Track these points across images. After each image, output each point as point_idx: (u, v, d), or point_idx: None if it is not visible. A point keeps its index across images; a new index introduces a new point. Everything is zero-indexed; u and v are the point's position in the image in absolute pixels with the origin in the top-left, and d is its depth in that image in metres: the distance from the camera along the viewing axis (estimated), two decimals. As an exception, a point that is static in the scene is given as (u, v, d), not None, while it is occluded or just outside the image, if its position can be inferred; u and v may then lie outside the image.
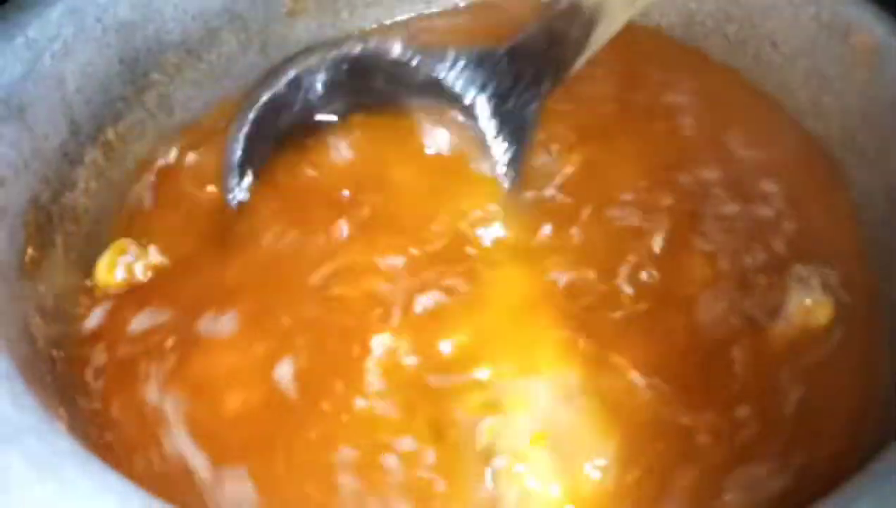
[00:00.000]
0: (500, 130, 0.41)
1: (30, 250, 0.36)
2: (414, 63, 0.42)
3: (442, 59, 0.41)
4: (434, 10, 0.52)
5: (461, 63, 0.41)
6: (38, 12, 0.38)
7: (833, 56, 0.42)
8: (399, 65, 0.42)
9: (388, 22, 0.51)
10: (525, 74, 0.41)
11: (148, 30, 0.43)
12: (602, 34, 0.41)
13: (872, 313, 0.37)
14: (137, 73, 0.43)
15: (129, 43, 0.42)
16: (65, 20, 0.39)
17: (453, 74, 0.41)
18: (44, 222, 0.38)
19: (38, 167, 0.38)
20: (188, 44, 0.46)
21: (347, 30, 0.50)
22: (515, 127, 0.41)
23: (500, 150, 0.41)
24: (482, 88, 0.41)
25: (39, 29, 0.38)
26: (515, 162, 0.41)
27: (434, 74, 0.41)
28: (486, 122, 0.41)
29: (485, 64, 0.41)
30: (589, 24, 0.41)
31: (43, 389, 0.31)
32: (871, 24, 0.40)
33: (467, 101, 0.41)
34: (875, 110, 0.40)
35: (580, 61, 0.42)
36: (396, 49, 0.42)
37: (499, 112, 0.41)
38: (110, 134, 0.42)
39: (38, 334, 0.34)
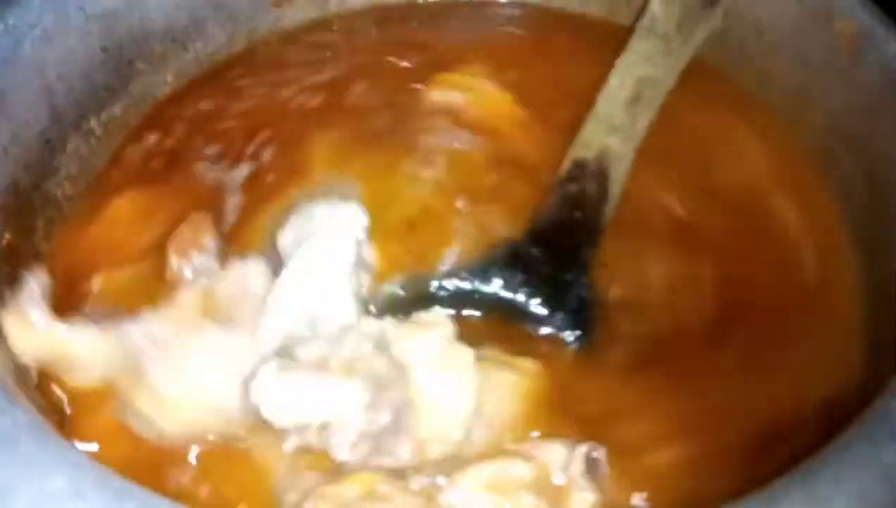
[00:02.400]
0: (559, 318, 0.37)
1: (7, 235, 0.37)
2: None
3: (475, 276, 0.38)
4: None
5: (493, 273, 0.38)
6: (19, 0, 0.39)
7: (817, 42, 0.42)
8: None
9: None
10: (560, 251, 0.38)
11: (132, 18, 0.44)
12: (618, 175, 0.40)
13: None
14: (121, 61, 0.44)
15: (112, 31, 0.43)
16: (46, 7, 0.39)
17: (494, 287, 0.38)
18: (24, 207, 0.38)
19: (18, 153, 0.38)
20: (173, 33, 0.46)
21: (332, 20, 0.51)
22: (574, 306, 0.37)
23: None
24: (524, 284, 0.38)
25: (19, 16, 0.38)
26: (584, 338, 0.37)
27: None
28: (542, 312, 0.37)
29: (515, 260, 0.38)
30: (601, 174, 0.40)
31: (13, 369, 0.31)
32: (852, 10, 0.40)
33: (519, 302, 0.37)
34: (858, 95, 0.40)
35: (608, 212, 0.39)
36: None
37: (549, 300, 0.37)
38: (93, 122, 0.43)
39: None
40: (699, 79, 0.45)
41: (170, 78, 0.46)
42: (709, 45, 0.46)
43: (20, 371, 0.32)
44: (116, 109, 0.44)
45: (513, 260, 0.38)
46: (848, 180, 0.40)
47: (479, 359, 0.33)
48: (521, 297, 0.38)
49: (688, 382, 0.35)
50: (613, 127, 0.41)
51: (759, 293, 0.38)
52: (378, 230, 0.37)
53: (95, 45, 0.42)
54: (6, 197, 0.37)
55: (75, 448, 0.26)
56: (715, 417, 0.34)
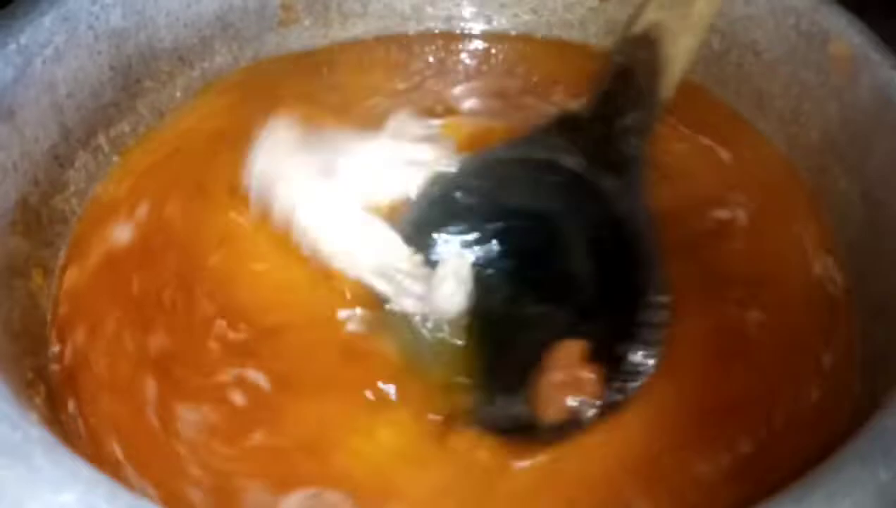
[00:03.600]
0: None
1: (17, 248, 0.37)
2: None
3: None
4: (423, 27, 0.52)
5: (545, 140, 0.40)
6: (31, 20, 0.39)
7: (812, 64, 0.43)
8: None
9: (380, 35, 0.52)
10: (617, 116, 0.41)
11: (140, 37, 0.44)
12: (673, 52, 0.41)
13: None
14: (129, 79, 0.45)
15: (120, 50, 0.44)
16: (57, 27, 0.40)
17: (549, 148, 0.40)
18: (33, 222, 0.39)
19: (27, 169, 0.39)
20: (180, 51, 0.47)
21: (339, 41, 0.51)
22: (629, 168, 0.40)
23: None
24: (575, 147, 0.40)
25: (31, 35, 0.39)
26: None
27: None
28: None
29: (573, 126, 0.41)
30: (651, 45, 0.41)
31: (22, 377, 0.31)
32: (847, 33, 0.41)
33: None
34: (853, 117, 0.41)
35: (664, 86, 0.41)
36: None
37: (600, 162, 0.40)
38: (101, 139, 0.43)
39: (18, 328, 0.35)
40: (694, 99, 0.47)
41: (177, 95, 0.47)
42: (706, 66, 0.47)
43: (28, 384, 0.33)
44: (125, 126, 0.45)
45: (564, 127, 0.40)
46: (843, 200, 0.41)
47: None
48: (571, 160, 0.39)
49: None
50: (663, 5, 0.42)
51: (752, 314, 0.38)
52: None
53: (104, 64, 0.43)
54: (16, 212, 0.38)
55: (87, 464, 0.26)
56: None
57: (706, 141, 0.45)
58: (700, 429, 0.34)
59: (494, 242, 0.41)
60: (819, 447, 0.29)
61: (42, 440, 0.26)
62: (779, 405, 0.35)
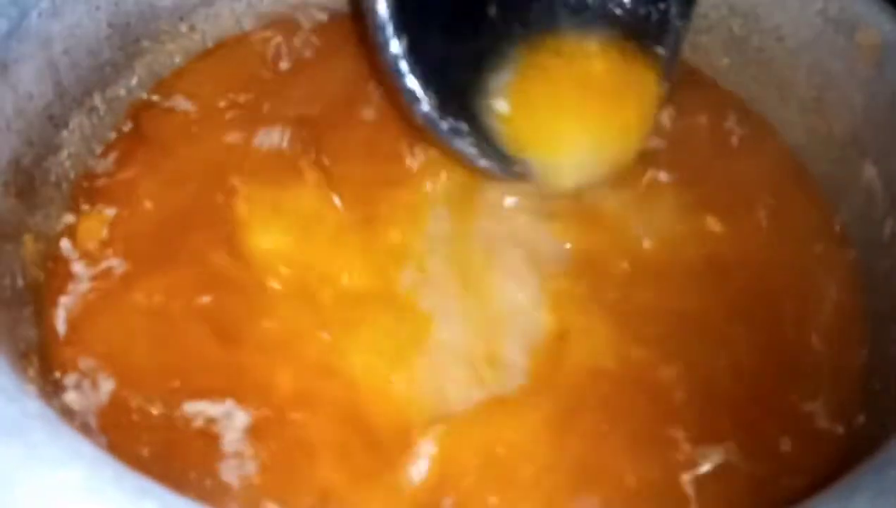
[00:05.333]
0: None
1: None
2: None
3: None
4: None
5: None
6: (27, -30, 0.37)
7: (837, 51, 0.42)
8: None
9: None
10: None
11: (140, -6, 0.42)
12: None
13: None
14: (128, 39, 0.42)
15: (119, 7, 0.41)
16: (55, -21, 0.38)
17: None
18: (25, 186, 0.37)
19: (21, 128, 0.36)
20: (181, 11, 0.44)
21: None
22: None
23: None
24: None
25: (27, -14, 0.37)
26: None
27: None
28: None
29: None
30: None
31: (15, 348, 0.30)
32: (877, 20, 0.40)
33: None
34: (878, 107, 0.40)
35: None
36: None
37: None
38: (97, 99, 0.41)
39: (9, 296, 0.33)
40: (712, 84, 0.46)
41: (177, 59, 0.45)
42: (727, 50, 0.46)
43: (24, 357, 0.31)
44: (120, 89, 0.42)
45: None
46: (866, 196, 0.40)
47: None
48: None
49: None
50: None
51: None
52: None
53: (102, 20, 0.41)
54: (8, 173, 0.36)
55: (89, 441, 0.24)
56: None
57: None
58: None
59: None
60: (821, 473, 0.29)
61: (41, 415, 0.25)
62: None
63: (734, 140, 0.44)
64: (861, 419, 0.34)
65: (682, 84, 0.43)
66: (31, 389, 0.26)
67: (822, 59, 0.42)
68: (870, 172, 0.40)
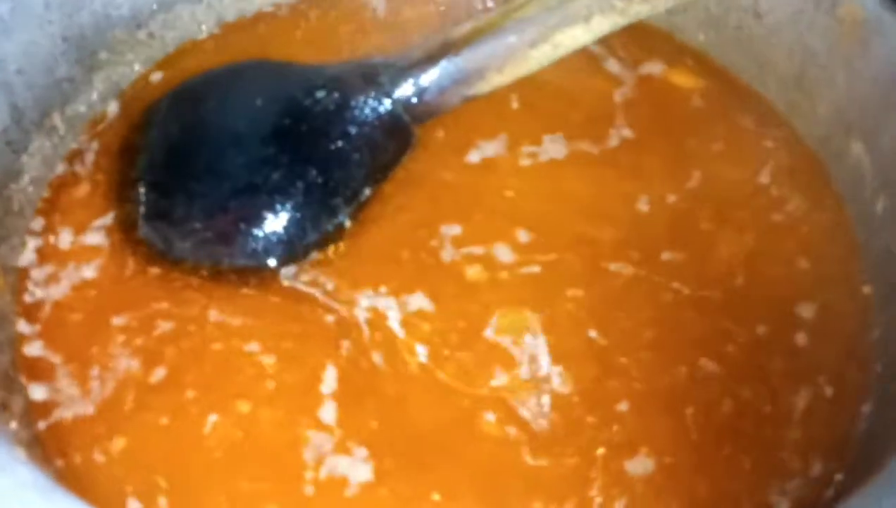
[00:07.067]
0: None
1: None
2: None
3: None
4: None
5: None
6: (-28, -13, 0.35)
7: (819, 28, 0.41)
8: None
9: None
10: None
11: (95, 4, 0.40)
12: None
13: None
14: (84, 52, 0.40)
15: (73, 19, 0.39)
16: (2, -4, 0.36)
17: None
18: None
19: (-23, 158, 0.35)
20: (139, 19, 0.42)
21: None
22: None
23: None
24: None
25: (-26, 5, 0.35)
26: None
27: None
28: None
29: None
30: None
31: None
32: (860, -5, 0.39)
33: None
34: (862, 85, 0.39)
35: None
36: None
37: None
38: (56, 119, 0.39)
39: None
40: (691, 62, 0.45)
41: (137, 67, 0.43)
42: (704, 29, 0.45)
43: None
44: (80, 105, 0.40)
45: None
46: (854, 175, 0.40)
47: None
48: None
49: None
50: None
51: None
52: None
53: (56, 35, 0.39)
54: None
55: (84, 505, 0.23)
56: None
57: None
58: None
59: None
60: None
61: (34, 483, 0.23)
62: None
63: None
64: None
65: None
66: (20, 454, 0.25)
67: (803, 36, 0.42)
68: (857, 148, 0.39)
